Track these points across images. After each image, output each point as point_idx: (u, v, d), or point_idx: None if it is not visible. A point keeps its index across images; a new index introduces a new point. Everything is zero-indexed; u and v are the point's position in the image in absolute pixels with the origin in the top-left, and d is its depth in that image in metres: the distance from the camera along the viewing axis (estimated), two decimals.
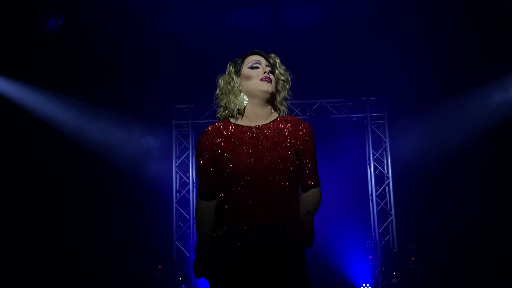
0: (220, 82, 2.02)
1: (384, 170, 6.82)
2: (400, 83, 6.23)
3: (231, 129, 1.95)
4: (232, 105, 1.97)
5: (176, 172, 6.98)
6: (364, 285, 6.51)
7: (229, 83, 1.99)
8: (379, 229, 6.66)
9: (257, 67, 1.99)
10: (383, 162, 6.87)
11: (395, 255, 6.50)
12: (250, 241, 1.83)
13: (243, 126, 1.96)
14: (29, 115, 6.03)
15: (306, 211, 1.83)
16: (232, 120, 2.00)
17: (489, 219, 6.04)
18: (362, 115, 6.87)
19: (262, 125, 1.96)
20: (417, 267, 6.34)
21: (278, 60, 2.05)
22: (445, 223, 6.27)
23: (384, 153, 6.86)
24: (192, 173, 6.99)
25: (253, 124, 1.96)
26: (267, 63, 2.02)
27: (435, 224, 6.32)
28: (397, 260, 6.45)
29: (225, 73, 2.04)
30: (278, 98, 2.05)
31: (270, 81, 1.97)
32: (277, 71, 2.03)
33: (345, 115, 6.86)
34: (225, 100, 1.98)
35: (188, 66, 6.01)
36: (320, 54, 5.90)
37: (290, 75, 2.07)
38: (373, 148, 6.85)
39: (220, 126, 1.97)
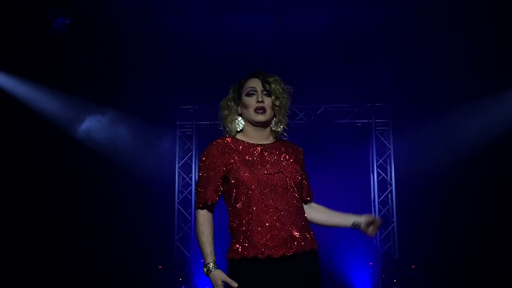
0: (222, 105, 2.15)
1: (387, 177, 6.80)
2: (406, 90, 6.22)
3: (240, 144, 2.06)
4: (229, 126, 2.12)
5: (179, 173, 6.99)
6: None
7: (226, 108, 2.12)
8: (380, 236, 6.64)
9: (253, 94, 2.07)
10: (387, 168, 6.84)
11: (396, 262, 6.47)
12: (272, 249, 1.92)
13: (250, 143, 2.08)
14: (33, 113, 6.06)
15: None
16: (238, 136, 2.12)
17: (491, 228, 6.00)
18: (366, 121, 6.86)
19: (266, 144, 2.09)
20: (418, 275, 6.31)
21: (274, 85, 2.07)
22: (447, 231, 6.24)
23: (388, 159, 6.83)
24: (194, 174, 6.99)
25: (256, 142, 2.09)
26: (263, 88, 2.08)
27: (437, 232, 6.29)
28: (398, 267, 6.42)
29: (227, 96, 2.16)
30: (274, 121, 2.11)
31: (264, 111, 2.06)
32: (273, 97, 2.07)
33: (350, 121, 6.85)
34: (224, 123, 2.14)
35: (193, 67, 6.02)
36: (326, 59, 5.90)
37: (288, 96, 2.10)
38: (377, 155, 6.83)
39: (229, 141, 2.08)
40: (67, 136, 6.32)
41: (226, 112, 2.12)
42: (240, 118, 2.12)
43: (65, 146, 6.29)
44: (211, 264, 1.98)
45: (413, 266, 6.38)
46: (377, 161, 6.83)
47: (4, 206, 5.84)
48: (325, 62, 5.92)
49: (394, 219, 6.64)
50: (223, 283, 1.96)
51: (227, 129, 2.12)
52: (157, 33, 5.62)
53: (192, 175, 6.99)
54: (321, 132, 6.49)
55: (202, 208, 2.05)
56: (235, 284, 1.93)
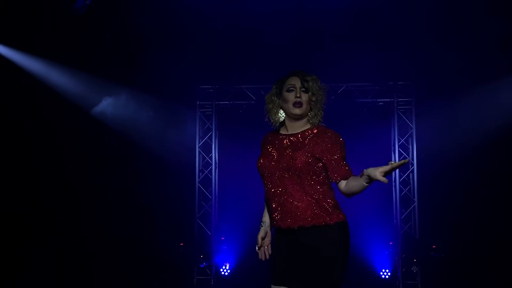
0: (266, 99, 2.51)
1: (409, 157, 6.73)
2: (429, 68, 6.09)
3: (274, 136, 2.49)
4: (273, 118, 2.48)
5: (199, 152, 7.05)
6: (383, 270, 6.50)
7: (270, 103, 2.48)
8: (401, 216, 6.61)
9: (292, 90, 2.41)
10: (408, 148, 6.76)
11: (417, 242, 6.45)
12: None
13: (282, 134, 2.47)
14: (54, 92, 6.16)
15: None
16: (279, 129, 2.52)
17: None
18: (388, 100, 6.76)
19: (293, 134, 2.43)
20: (438, 255, 6.28)
21: (312, 83, 2.40)
22: (468, 211, 6.17)
23: (410, 139, 6.75)
24: (214, 153, 7.04)
25: (289, 132, 2.45)
26: (301, 86, 2.41)
27: (458, 212, 6.23)
28: (418, 247, 6.40)
29: (271, 92, 2.51)
30: (310, 114, 2.43)
31: (301, 105, 2.39)
32: (310, 93, 2.40)
33: (371, 100, 6.75)
34: (268, 115, 2.49)
35: (212, 47, 6.00)
36: (348, 37, 5.80)
37: (324, 93, 2.42)
38: (398, 134, 6.75)
39: (268, 134, 2.53)
40: (88, 117, 6.42)
41: (270, 106, 2.48)
42: (281, 111, 2.46)
43: (87, 127, 6.39)
44: (261, 223, 2.55)
45: (433, 246, 6.35)
46: (399, 140, 6.74)
47: (27, 180, 6.01)
48: (346, 40, 5.82)
49: (415, 199, 6.60)
50: (262, 240, 2.51)
51: (272, 121, 2.46)
52: (176, 13, 5.60)
53: (212, 155, 7.03)
54: (342, 112, 6.41)
55: None
56: (258, 245, 2.51)
